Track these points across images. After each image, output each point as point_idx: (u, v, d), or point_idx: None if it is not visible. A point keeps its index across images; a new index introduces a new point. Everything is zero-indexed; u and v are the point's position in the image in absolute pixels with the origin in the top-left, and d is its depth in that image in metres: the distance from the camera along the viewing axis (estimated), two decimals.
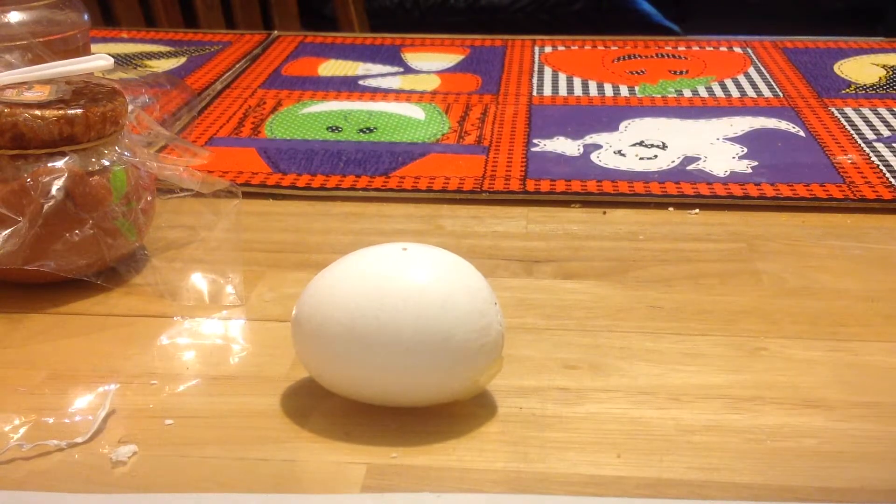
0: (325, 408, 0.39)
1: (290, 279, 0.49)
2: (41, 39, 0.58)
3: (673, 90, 0.78)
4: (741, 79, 0.80)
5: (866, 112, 0.72)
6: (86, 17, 0.65)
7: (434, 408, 0.38)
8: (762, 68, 0.83)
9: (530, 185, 0.60)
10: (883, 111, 0.72)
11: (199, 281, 0.48)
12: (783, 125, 0.70)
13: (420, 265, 0.38)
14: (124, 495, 0.34)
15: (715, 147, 0.65)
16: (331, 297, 0.37)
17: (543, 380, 0.41)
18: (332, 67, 0.84)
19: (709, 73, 0.82)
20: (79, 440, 0.37)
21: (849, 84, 0.79)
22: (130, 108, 0.50)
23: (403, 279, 0.37)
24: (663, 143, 0.66)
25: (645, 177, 0.61)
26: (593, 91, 0.78)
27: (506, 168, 0.62)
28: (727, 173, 0.61)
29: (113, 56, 0.54)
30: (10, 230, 0.44)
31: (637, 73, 0.82)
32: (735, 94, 0.77)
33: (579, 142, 0.67)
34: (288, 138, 0.68)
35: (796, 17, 2.40)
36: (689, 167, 0.62)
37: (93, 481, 0.35)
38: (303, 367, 0.40)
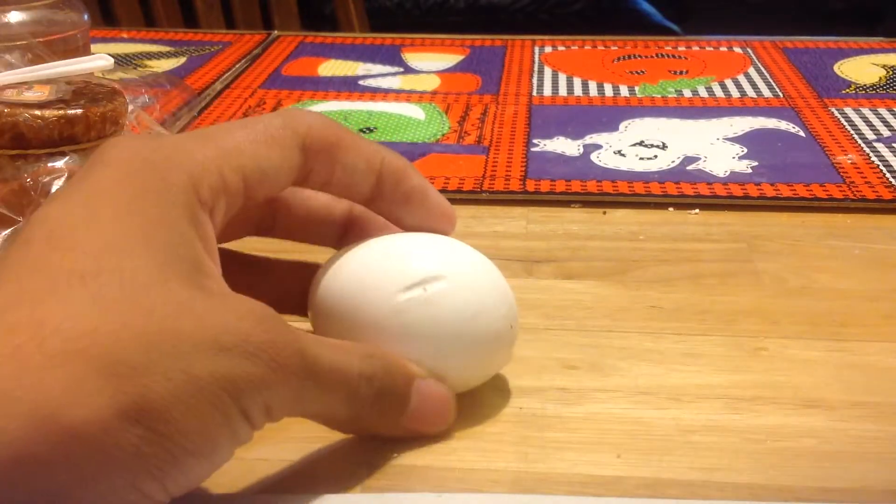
0: None
1: None
2: (41, 39, 0.58)
3: (673, 90, 0.78)
4: (741, 79, 0.80)
5: (866, 112, 0.72)
6: (86, 17, 0.65)
7: None
8: (762, 68, 0.83)
9: (530, 185, 0.60)
10: (883, 111, 0.72)
11: None
12: (783, 125, 0.70)
13: (433, 255, 0.38)
14: None
15: (715, 147, 0.65)
16: (347, 286, 0.37)
17: (543, 380, 0.41)
18: (332, 67, 0.84)
19: (709, 73, 0.82)
20: None
21: (849, 84, 0.79)
22: (130, 108, 0.50)
23: (418, 268, 0.37)
24: (663, 143, 0.66)
25: (645, 177, 0.61)
26: (593, 91, 0.78)
27: (506, 168, 0.62)
28: (727, 173, 0.61)
29: (113, 56, 0.54)
30: (10, 230, 0.44)
31: (637, 73, 0.82)
32: (735, 94, 0.77)
33: (579, 142, 0.67)
34: None
35: (796, 17, 2.41)
36: (689, 167, 0.62)
37: None
38: None
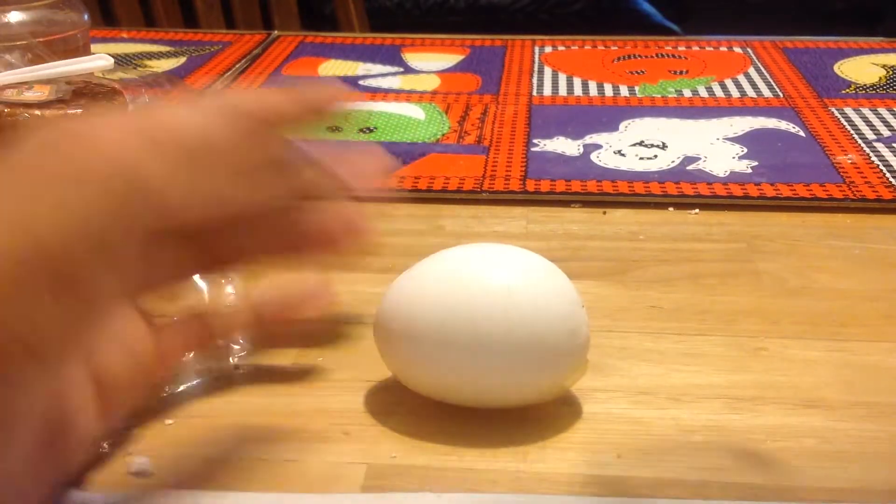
0: (324, 408, 0.39)
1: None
2: (41, 39, 0.58)
3: (673, 90, 0.78)
4: (741, 79, 0.80)
5: (866, 112, 0.72)
6: (86, 17, 0.65)
7: (443, 408, 0.38)
8: (762, 68, 0.83)
9: (530, 185, 0.60)
10: (883, 111, 0.72)
11: (198, 280, 0.48)
12: (783, 125, 0.70)
13: (507, 266, 0.38)
14: (124, 494, 0.34)
15: (715, 147, 0.65)
16: (418, 297, 0.37)
17: None
18: (332, 67, 0.84)
19: (709, 73, 0.82)
20: None
21: (849, 84, 0.79)
22: (130, 107, 0.50)
23: (493, 280, 0.37)
24: (663, 143, 0.66)
25: (645, 177, 0.61)
26: (593, 91, 0.78)
27: (506, 168, 0.62)
28: (727, 173, 0.61)
29: (113, 56, 0.54)
30: None
31: (637, 73, 0.82)
32: (735, 94, 0.77)
33: (579, 142, 0.67)
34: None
35: (796, 17, 2.40)
36: (689, 167, 0.62)
37: (92, 481, 0.35)
38: (307, 368, 0.40)
